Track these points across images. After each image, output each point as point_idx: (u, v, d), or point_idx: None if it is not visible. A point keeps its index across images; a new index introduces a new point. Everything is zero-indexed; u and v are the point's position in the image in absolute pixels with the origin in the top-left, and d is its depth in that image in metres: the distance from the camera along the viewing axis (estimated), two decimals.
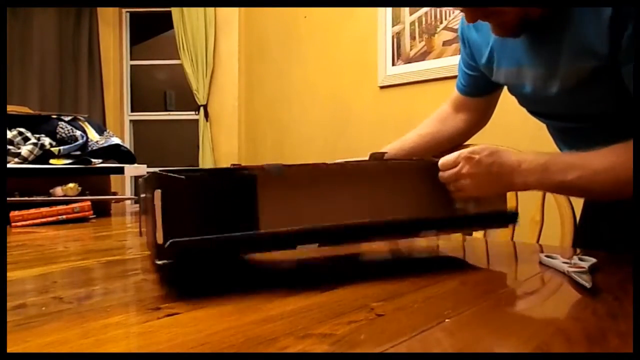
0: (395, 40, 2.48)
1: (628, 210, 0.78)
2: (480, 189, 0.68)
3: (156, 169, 0.54)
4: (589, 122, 0.80)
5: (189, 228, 0.53)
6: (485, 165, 0.67)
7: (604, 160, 0.66)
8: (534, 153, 0.70)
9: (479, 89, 1.03)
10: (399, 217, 0.68)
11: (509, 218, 0.69)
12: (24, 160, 1.30)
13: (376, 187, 0.69)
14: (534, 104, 0.87)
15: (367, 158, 1.15)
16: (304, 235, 0.54)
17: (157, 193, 0.51)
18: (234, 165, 0.64)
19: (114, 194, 1.60)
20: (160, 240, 0.52)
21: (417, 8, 2.38)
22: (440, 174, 0.69)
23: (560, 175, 0.67)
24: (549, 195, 0.97)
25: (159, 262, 0.48)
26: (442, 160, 0.70)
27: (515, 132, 1.53)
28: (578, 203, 0.95)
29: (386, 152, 1.11)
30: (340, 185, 0.67)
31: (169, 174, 0.52)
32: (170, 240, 0.47)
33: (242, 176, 0.60)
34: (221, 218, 0.66)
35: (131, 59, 3.69)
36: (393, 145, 1.14)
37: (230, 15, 3.36)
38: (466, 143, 1.16)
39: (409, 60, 2.42)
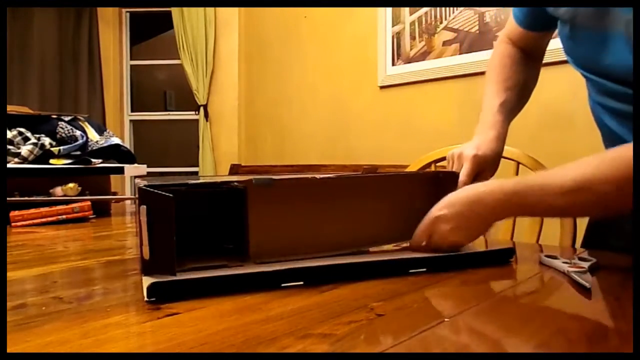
0: (395, 40, 2.48)
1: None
2: (461, 229, 0.63)
3: (154, 170, 0.53)
4: None
5: (175, 244, 0.51)
6: (461, 204, 0.63)
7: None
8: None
9: (539, 22, 0.88)
10: (392, 235, 0.67)
11: (506, 254, 0.67)
12: (24, 160, 1.30)
13: (368, 201, 0.68)
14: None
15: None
16: (291, 273, 0.53)
17: (143, 209, 0.50)
18: (233, 165, 0.63)
19: (114, 194, 1.60)
20: (146, 255, 0.51)
21: (417, 8, 2.38)
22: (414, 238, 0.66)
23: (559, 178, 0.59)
24: None
25: (147, 300, 0.47)
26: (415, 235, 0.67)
27: (515, 132, 1.52)
28: None
29: (378, 167, 1.06)
30: (332, 199, 0.65)
31: (155, 190, 0.50)
32: (152, 282, 0.47)
33: (231, 190, 0.59)
34: (210, 233, 0.65)
35: (131, 59, 3.69)
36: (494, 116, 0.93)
37: (230, 15, 3.36)
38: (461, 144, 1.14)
39: (409, 60, 2.43)
